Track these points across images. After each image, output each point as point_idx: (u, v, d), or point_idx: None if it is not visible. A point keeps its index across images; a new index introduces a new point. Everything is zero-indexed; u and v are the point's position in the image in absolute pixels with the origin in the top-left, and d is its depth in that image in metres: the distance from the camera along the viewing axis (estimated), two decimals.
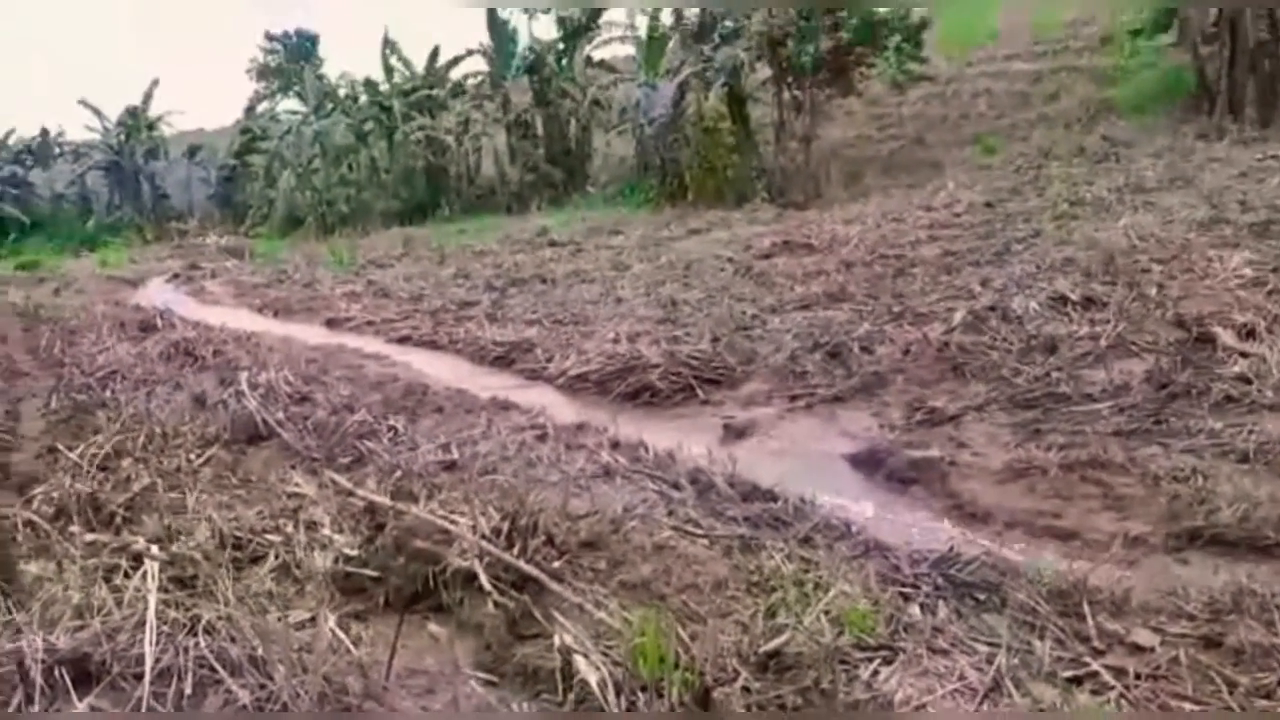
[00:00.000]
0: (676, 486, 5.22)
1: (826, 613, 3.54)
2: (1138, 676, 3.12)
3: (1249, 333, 6.42)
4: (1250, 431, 5.08)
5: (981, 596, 3.76)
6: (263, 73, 54.65)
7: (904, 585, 3.81)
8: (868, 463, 5.82)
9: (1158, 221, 11.07)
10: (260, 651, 3.14)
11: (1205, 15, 17.88)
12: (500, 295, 12.04)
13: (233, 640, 3.19)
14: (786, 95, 21.17)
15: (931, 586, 3.79)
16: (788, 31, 19.69)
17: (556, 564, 4.16)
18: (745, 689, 3.25)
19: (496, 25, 28.82)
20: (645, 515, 4.76)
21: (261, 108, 41.65)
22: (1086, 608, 3.54)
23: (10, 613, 3.17)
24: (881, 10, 20.49)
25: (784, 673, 3.33)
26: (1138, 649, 3.32)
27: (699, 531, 4.58)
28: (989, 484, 5.15)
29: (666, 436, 6.32)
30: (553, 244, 16.76)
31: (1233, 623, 3.30)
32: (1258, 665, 3.01)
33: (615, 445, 6.00)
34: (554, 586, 3.89)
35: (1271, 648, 3.06)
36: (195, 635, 3.17)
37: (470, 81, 29.91)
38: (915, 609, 3.62)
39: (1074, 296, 8.09)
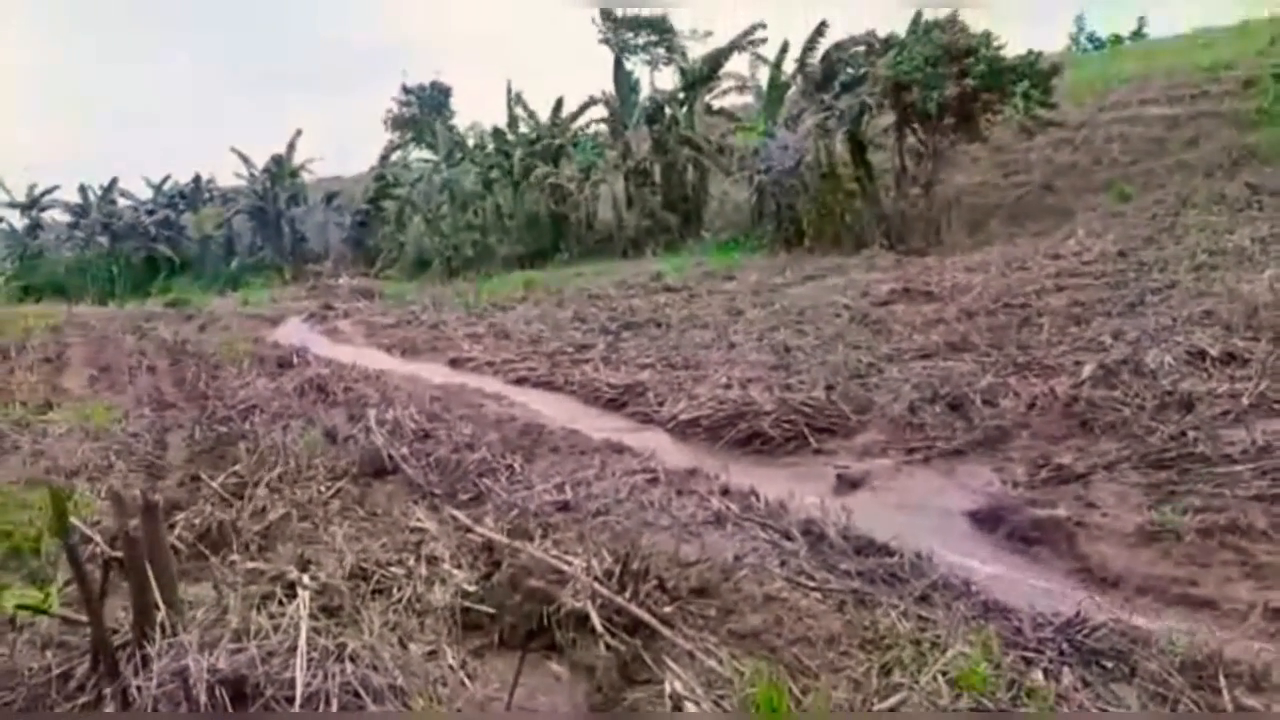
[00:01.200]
0: (788, 537, 5.19)
1: (944, 674, 3.45)
2: None
3: None
4: None
5: (1109, 664, 3.61)
6: (398, 123, 57.53)
7: (1026, 649, 3.68)
8: (989, 520, 5.65)
9: None
10: (400, 681, 3.29)
11: None
12: (615, 338, 12.24)
13: (374, 669, 3.35)
14: (909, 141, 20.94)
15: (1056, 651, 3.65)
16: (914, 78, 19.51)
17: (667, 609, 4.19)
18: None
19: (620, 75, 29.63)
20: (756, 565, 4.75)
21: (395, 156, 43.78)
22: (1222, 680, 3.35)
23: (175, 633, 3.41)
24: (1010, 56, 20.12)
25: None
26: None
27: (811, 584, 4.55)
28: (1119, 547, 4.94)
29: (778, 485, 6.28)
30: (667, 289, 16.94)
31: None
32: None
33: (726, 492, 6.01)
34: (665, 632, 3.93)
35: None
36: (342, 662, 3.35)
37: (592, 130, 30.79)
38: (1038, 674, 3.49)
39: (1213, 351, 7.70)
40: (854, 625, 4.03)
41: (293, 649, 3.36)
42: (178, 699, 3.09)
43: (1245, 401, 6.52)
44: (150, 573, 3.53)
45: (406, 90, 57.85)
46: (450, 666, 3.87)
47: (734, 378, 9.13)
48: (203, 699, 3.09)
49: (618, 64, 29.07)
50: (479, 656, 4.07)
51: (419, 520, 5.71)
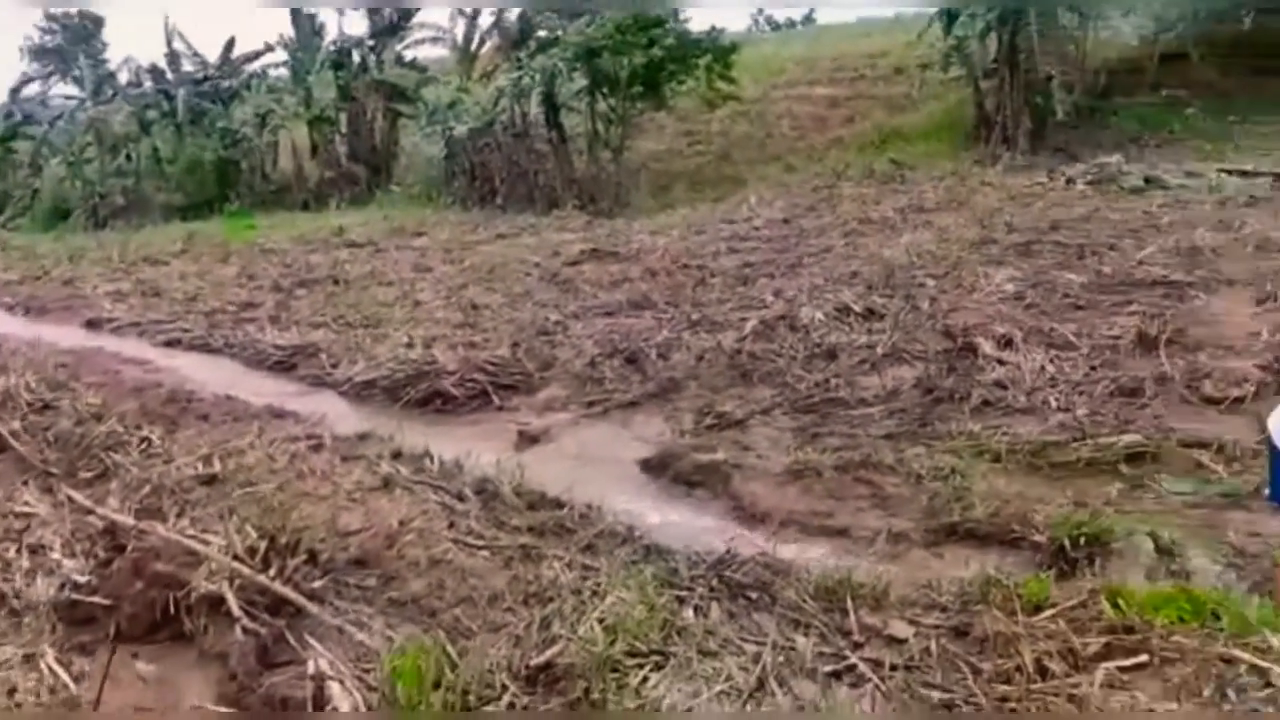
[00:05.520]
0: (460, 497, 5.01)
1: (601, 621, 3.45)
2: (893, 668, 3.22)
3: (1007, 342, 6.91)
4: (1004, 433, 5.44)
5: (754, 595, 3.79)
6: (37, 54, 49.81)
7: (680, 589, 3.78)
8: (657, 467, 5.83)
9: (935, 239, 11.83)
10: None
11: (987, 53, 19.41)
12: (286, 296, 11.34)
13: None
14: (601, 106, 21.30)
15: (706, 589, 3.78)
16: (604, 44, 19.85)
17: (318, 584, 3.87)
18: (511, 705, 3.11)
19: (300, 19, 27.48)
20: (423, 529, 4.53)
21: (32, 90, 37.73)
22: (850, 603, 3.63)
23: None
24: (694, 30, 21.06)
25: (554, 685, 3.22)
26: (894, 641, 3.42)
27: (479, 543, 4.40)
28: (769, 486, 5.26)
29: (459, 444, 6.09)
30: (350, 244, 16.00)
31: (979, 613, 3.46)
32: (999, 652, 3.16)
33: (397, 455, 5.70)
34: (311, 609, 3.61)
35: (1013, 636, 3.22)
36: None
37: (271, 73, 28.33)
38: (689, 612, 3.59)
39: (856, 308, 8.48)
40: (519, 580, 3.95)
41: None
42: None
43: (880, 351, 7.22)
44: None
45: (50, 17, 50.24)
46: (47, 668, 3.31)
47: (417, 336, 8.80)
48: None
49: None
50: (88, 654, 3.52)
51: (27, 504, 4.90)
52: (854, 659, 3.28)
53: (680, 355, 7.86)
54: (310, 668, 3.24)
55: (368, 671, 3.21)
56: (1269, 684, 2.69)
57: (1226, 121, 17.09)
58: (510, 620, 3.66)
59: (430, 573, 4.09)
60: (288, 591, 3.69)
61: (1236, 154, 15.35)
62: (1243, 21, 17.94)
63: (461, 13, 26.01)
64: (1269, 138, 16.12)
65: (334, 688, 3.12)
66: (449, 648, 3.42)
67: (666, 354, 7.91)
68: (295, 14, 27.42)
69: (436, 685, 3.09)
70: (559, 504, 4.87)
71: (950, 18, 19.41)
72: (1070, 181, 14.99)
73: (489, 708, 3.09)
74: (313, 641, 3.45)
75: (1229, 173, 13.58)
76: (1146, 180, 13.72)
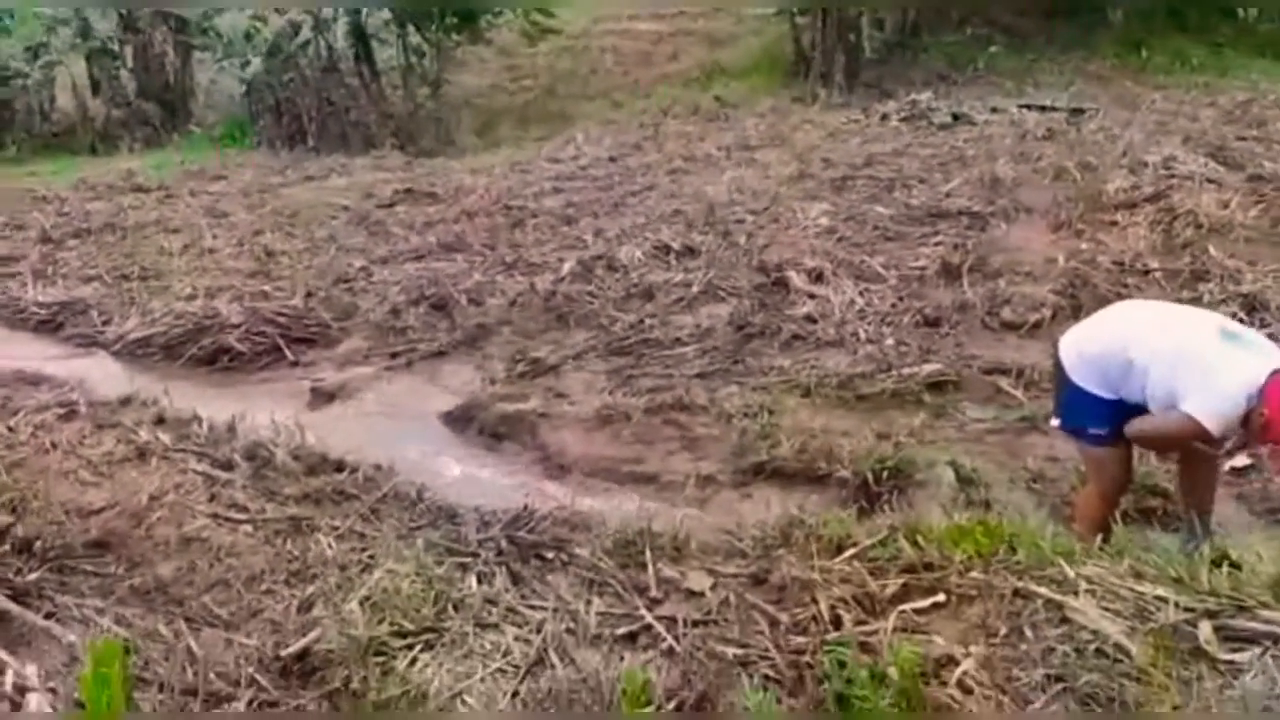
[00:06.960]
0: (228, 465, 4.47)
1: (367, 598, 3.08)
2: (687, 624, 3.01)
3: (817, 276, 6.84)
4: (812, 367, 5.36)
5: (549, 555, 3.51)
6: None
7: (464, 555, 3.44)
8: (461, 420, 5.49)
9: (756, 176, 11.77)
10: None
11: None
12: (55, 248, 10.11)
13: None
14: (414, 38, 20.14)
15: (494, 552, 3.46)
16: None
17: (34, 575, 3.31)
18: (255, 701, 2.71)
19: None
20: (177, 503, 3.99)
21: None
22: (648, 555, 3.40)
23: None
24: None
25: (309, 676, 2.84)
26: (692, 594, 3.22)
27: (242, 517, 3.91)
28: (578, 433, 5.00)
29: (245, 405, 5.50)
30: (139, 189, 14.46)
31: (779, 557, 3.30)
32: (794, 600, 3.00)
33: (160, 421, 5.07)
34: (12, 609, 3.06)
35: (809, 582, 3.06)
36: None
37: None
38: (472, 580, 3.26)
39: (675, 246, 8.25)
40: (282, 558, 3.51)
41: None
42: None
43: (695, 289, 7.02)
44: None
45: None
46: None
47: (201, 287, 7.99)
48: None
49: None
50: None
51: None
52: (649, 619, 3.04)
53: (494, 300, 7.44)
54: (9, 678, 2.72)
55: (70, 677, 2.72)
56: (1065, 619, 2.61)
57: (1026, 59, 17.89)
58: (269, 604, 3.23)
59: (181, 554, 3.60)
60: None
61: (1035, 90, 16.06)
62: None
63: None
64: (1064, 74, 16.99)
65: (33, 698, 2.62)
66: (192, 641, 2.98)
67: (479, 299, 7.47)
68: None
69: (163, 687, 2.65)
70: (340, 467, 4.43)
71: None
72: (885, 118, 15.27)
73: (230, 706, 2.68)
74: (27, 645, 2.93)
75: (1029, 108, 14.16)
76: (955, 116, 14.11)
